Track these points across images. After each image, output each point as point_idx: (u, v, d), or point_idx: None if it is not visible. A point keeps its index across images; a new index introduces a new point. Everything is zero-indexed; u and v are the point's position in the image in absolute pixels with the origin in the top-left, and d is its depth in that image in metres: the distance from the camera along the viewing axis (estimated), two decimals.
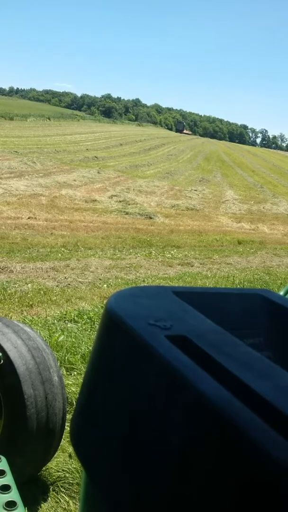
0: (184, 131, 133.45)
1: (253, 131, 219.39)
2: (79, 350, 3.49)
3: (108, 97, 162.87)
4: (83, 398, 0.45)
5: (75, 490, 2.17)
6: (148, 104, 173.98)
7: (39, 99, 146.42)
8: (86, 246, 8.30)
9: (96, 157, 26.78)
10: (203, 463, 0.31)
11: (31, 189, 13.75)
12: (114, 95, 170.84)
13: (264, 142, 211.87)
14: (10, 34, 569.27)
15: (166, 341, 0.38)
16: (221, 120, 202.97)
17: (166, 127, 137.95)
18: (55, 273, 6.16)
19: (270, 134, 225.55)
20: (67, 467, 2.28)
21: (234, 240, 11.36)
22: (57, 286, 5.60)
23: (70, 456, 2.34)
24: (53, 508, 2.07)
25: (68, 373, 3.22)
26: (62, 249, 7.79)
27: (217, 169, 33.86)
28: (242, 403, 0.31)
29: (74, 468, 2.27)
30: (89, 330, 4.06)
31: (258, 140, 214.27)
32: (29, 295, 5.00)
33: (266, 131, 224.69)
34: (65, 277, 6.00)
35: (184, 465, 0.32)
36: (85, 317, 4.40)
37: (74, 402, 2.65)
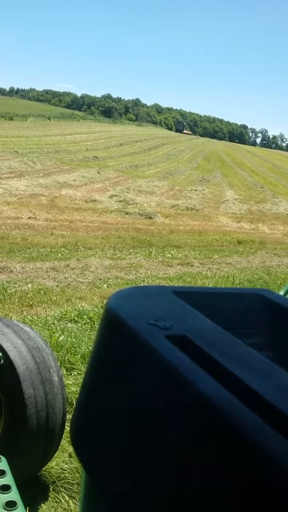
0: (184, 131, 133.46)
1: (253, 131, 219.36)
2: (79, 350, 3.49)
3: (108, 97, 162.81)
4: (83, 398, 0.45)
5: (75, 490, 2.17)
6: (148, 104, 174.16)
7: (39, 99, 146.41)
8: (86, 246, 8.30)
9: (96, 157, 26.79)
10: (203, 463, 0.31)
11: (31, 189, 13.76)
12: (114, 95, 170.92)
13: (264, 142, 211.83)
14: (10, 34, 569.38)
15: (166, 341, 0.38)
16: (221, 120, 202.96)
17: (166, 127, 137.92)
18: (55, 273, 6.17)
19: (270, 134, 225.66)
20: (67, 467, 2.28)
21: (234, 240, 11.36)
22: (57, 286, 5.60)
23: (70, 456, 2.34)
24: (53, 508, 2.07)
25: (68, 373, 3.22)
26: (62, 249, 7.79)
27: (217, 169, 33.86)
28: (242, 403, 0.31)
29: (74, 468, 2.27)
30: (89, 330, 4.06)
31: (258, 140, 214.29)
32: (29, 295, 5.00)
33: (266, 131, 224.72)
34: (65, 277, 6.00)
35: (184, 465, 0.32)
36: (85, 317, 4.40)
37: (74, 402, 2.65)
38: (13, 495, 1.51)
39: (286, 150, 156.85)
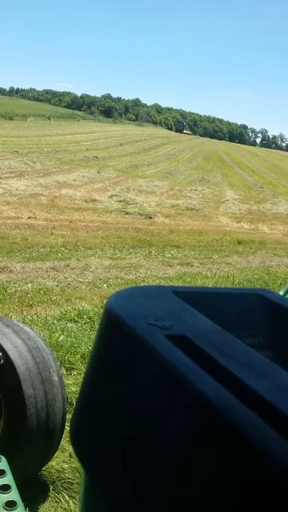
0: (184, 131, 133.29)
1: (253, 131, 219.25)
2: (79, 350, 3.49)
3: (108, 97, 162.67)
4: (83, 398, 0.45)
5: (75, 490, 2.17)
6: (148, 104, 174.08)
7: (39, 99, 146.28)
8: (86, 246, 8.30)
9: (96, 157, 26.79)
10: (203, 463, 0.31)
11: (31, 189, 13.76)
12: (114, 95, 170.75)
13: (264, 142, 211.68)
14: (10, 34, 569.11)
15: (166, 341, 0.38)
16: (221, 120, 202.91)
17: (166, 127, 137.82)
18: (55, 273, 6.16)
19: (270, 134, 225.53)
20: (67, 466, 2.28)
21: (234, 240, 11.36)
22: (57, 286, 5.60)
23: (70, 455, 2.34)
24: (53, 508, 2.07)
25: (68, 373, 3.22)
26: (62, 249, 7.79)
27: (217, 169, 33.86)
28: (242, 403, 0.31)
29: (74, 467, 2.27)
30: (89, 330, 4.06)
31: (258, 140, 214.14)
32: (29, 295, 5.00)
33: (266, 131, 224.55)
34: (65, 277, 6.00)
35: (185, 465, 0.32)
36: (85, 317, 4.40)
37: (74, 402, 2.65)
38: (13, 495, 1.51)
39: (286, 150, 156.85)
